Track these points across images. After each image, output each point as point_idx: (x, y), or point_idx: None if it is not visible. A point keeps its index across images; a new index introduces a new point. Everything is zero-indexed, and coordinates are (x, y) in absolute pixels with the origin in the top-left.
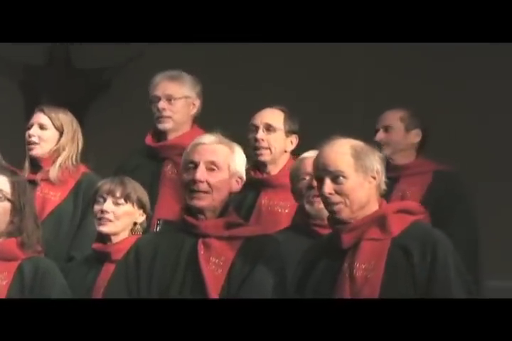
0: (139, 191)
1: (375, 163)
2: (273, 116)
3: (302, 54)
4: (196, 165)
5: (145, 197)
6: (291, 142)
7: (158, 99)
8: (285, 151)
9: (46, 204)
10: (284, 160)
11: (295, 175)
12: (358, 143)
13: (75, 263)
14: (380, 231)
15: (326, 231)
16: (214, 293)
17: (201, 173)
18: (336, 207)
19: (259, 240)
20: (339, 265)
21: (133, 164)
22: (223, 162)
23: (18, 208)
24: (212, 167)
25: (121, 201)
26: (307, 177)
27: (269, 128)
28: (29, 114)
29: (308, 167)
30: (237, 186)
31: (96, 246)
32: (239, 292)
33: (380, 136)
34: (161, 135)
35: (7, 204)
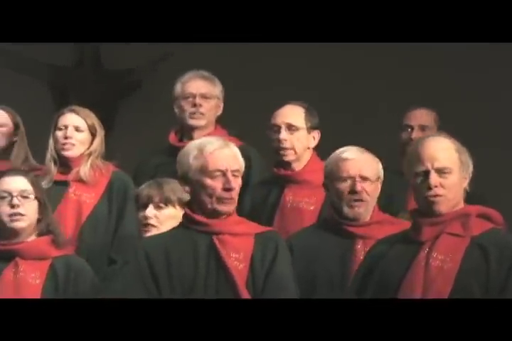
0: (178, 191)
1: (470, 162)
2: (294, 115)
3: (325, 54)
4: (224, 174)
5: (186, 196)
6: (314, 138)
7: (193, 95)
8: (308, 148)
9: (82, 208)
10: (307, 156)
11: (335, 174)
12: (454, 140)
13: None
14: (462, 228)
15: (356, 230)
16: (241, 286)
17: (232, 182)
18: (437, 199)
19: (270, 235)
20: (414, 254)
21: (155, 163)
22: (242, 167)
23: (43, 205)
24: (236, 174)
25: (162, 205)
26: (349, 181)
27: (291, 127)
28: (58, 114)
29: (351, 170)
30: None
31: None
32: (265, 285)
33: (417, 133)
34: (185, 133)
35: (35, 203)
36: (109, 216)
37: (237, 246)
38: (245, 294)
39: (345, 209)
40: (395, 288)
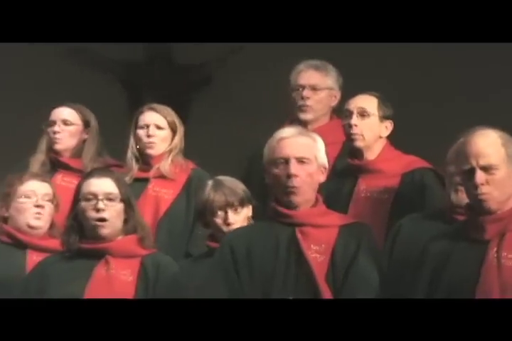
0: (246, 189)
1: None
2: (366, 102)
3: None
4: (287, 161)
5: (249, 192)
6: (386, 127)
7: (303, 87)
8: (380, 137)
9: (160, 204)
10: (380, 145)
11: (450, 158)
12: (503, 134)
13: (191, 260)
14: None
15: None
16: (321, 279)
17: (295, 168)
18: (484, 197)
19: (355, 227)
20: (481, 254)
21: None
22: (310, 154)
23: (129, 206)
24: (303, 160)
25: (239, 208)
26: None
27: (362, 113)
28: (133, 112)
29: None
30: (323, 176)
31: None
32: (346, 278)
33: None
34: (299, 124)
35: (120, 205)
36: (187, 213)
37: (319, 238)
38: (324, 287)
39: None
40: (467, 290)
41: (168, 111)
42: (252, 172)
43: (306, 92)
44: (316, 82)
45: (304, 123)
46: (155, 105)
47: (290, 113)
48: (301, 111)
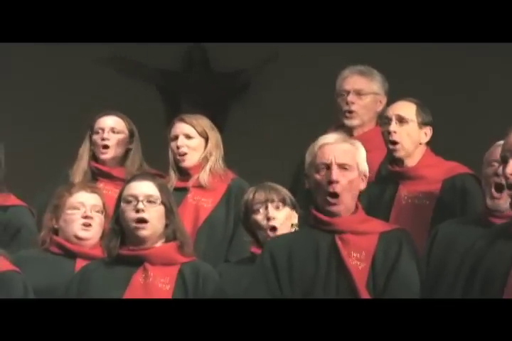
0: (288, 192)
1: None
2: (405, 108)
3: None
4: (329, 166)
5: (293, 197)
6: (425, 134)
7: (347, 92)
8: (420, 143)
9: (200, 212)
10: (419, 152)
11: (486, 160)
12: None
13: (231, 264)
14: None
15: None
16: (361, 286)
17: (336, 174)
18: None
19: (396, 234)
20: None
21: None
22: (352, 161)
23: (170, 210)
24: (345, 167)
25: (280, 205)
26: (495, 164)
27: (401, 120)
28: (170, 119)
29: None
30: (363, 184)
31: None
32: (387, 284)
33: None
34: (346, 131)
35: (161, 208)
36: (226, 221)
37: (360, 245)
38: (365, 294)
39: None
40: (500, 288)
41: (198, 119)
42: (298, 180)
43: (351, 97)
44: (361, 87)
45: (349, 129)
46: (185, 116)
47: (335, 119)
48: (347, 117)
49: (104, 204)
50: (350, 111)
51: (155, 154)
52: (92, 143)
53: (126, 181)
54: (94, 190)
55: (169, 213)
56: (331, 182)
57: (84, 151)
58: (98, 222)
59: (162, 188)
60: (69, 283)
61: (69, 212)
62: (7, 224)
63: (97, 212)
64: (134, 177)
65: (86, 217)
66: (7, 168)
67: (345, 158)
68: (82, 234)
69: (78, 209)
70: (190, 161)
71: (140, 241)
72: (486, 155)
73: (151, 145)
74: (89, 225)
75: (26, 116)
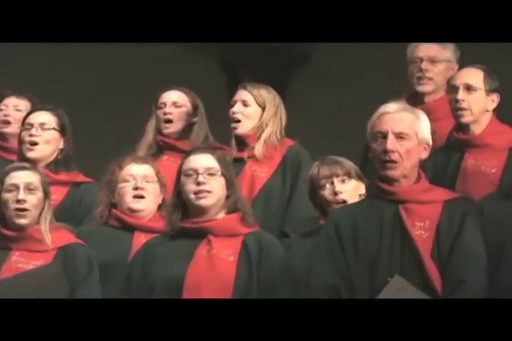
0: (352, 164)
1: None
2: (472, 76)
3: None
4: (385, 136)
5: (358, 169)
6: (492, 101)
7: (421, 59)
8: (486, 110)
9: (255, 182)
10: (486, 119)
11: None
12: None
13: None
14: None
15: None
16: (426, 256)
17: (392, 143)
18: None
19: (460, 202)
20: None
21: None
22: (411, 130)
23: (230, 182)
24: (401, 136)
25: (346, 178)
26: None
27: (469, 88)
28: (232, 92)
29: None
30: (425, 153)
31: None
32: (452, 253)
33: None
34: (417, 98)
35: (222, 179)
36: (282, 190)
37: (423, 215)
38: (430, 264)
39: None
40: None
41: (260, 89)
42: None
43: (424, 64)
44: (435, 54)
45: (421, 96)
46: (248, 84)
47: (403, 88)
48: (420, 84)
49: (157, 174)
50: (424, 78)
51: (219, 128)
52: (156, 117)
53: (185, 155)
54: (145, 161)
55: (230, 184)
56: (386, 151)
57: (151, 126)
58: (151, 191)
59: (221, 160)
60: (133, 258)
61: (121, 185)
62: (81, 201)
63: (149, 182)
64: (192, 151)
65: (137, 189)
66: (74, 145)
67: (402, 127)
68: (134, 205)
69: (129, 181)
70: (242, 129)
71: (202, 211)
72: None
73: (215, 118)
74: (141, 197)
75: (94, 94)
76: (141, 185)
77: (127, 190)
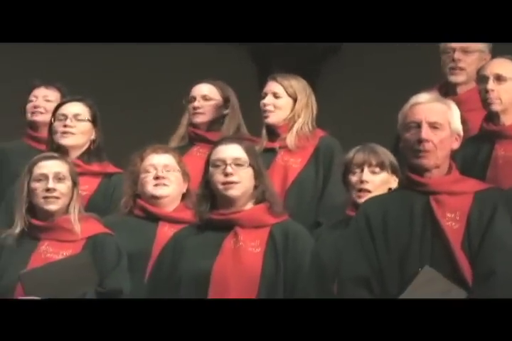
0: (391, 156)
1: None
2: (503, 66)
3: None
4: (419, 125)
5: (396, 162)
6: None
7: (453, 50)
8: None
9: (288, 172)
10: None
11: None
12: None
13: (325, 228)
14: None
15: None
16: (457, 247)
17: (426, 133)
18: None
19: (491, 193)
20: None
21: None
22: (444, 120)
23: (258, 172)
24: (435, 126)
25: (377, 170)
26: None
27: (499, 78)
28: (262, 82)
29: None
30: (456, 143)
31: None
32: (482, 245)
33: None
34: (449, 88)
35: (249, 170)
36: (315, 181)
37: (454, 206)
38: (461, 255)
39: None
40: None
41: (291, 80)
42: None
43: (457, 55)
44: (468, 44)
45: (453, 86)
46: (278, 75)
47: (433, 79)
48: (452, 74)
49: (179, 163)
50: (457, 68)
51: (249, 118)
52: (188, 111)
53: (213, 145)
54: (165, 151)
55: (258, 175)
56: (420, 140)
57: (185, 119)
58: (173, 179)
59: (249, 150)
60: (162, 250)
61: (142, 175)
62: (113, 191)
63: (171, 171)
64: (220, 141)
65: (157, 178)
66: (105, 137)
67: (436, 117)
68: (156, 192)
69: (149, 172)
70: (274, 118)
71: (230, 202)
72: None
73: (246, 109)
74: (164, 184)
75: (130, 89)
76: (162, 174)
77: (149, 179)
